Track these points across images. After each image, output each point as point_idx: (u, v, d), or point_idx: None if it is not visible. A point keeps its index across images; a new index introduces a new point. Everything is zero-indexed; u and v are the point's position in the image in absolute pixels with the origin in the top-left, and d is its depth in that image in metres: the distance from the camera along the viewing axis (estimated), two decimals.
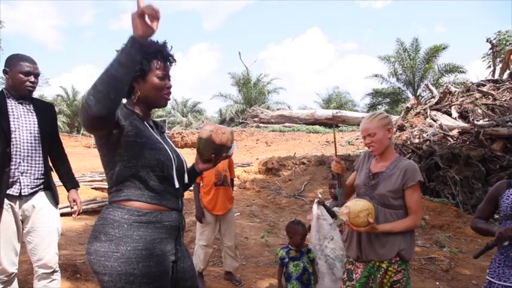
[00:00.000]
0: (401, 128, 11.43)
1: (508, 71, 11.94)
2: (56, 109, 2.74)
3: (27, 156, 2.33)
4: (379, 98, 27.64)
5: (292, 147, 15.23)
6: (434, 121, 10.39)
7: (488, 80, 11.90)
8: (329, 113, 21.87)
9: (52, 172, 2.53)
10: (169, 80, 1.55)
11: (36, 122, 2.40)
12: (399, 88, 26.36)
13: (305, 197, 8.22)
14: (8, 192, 2.26)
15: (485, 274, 2.14)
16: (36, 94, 2.51)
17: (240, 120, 25.86)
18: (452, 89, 12.22)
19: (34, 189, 2.36)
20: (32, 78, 2.35)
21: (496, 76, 12.29)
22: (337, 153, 2.29)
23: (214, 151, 1.61)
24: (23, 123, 2.34)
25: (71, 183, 2.66)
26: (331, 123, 20.51)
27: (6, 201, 2.26)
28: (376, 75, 26.12)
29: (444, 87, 13.03)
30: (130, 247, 1.36)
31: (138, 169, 1.41)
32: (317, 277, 2.88)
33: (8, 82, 2.35)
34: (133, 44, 1.21)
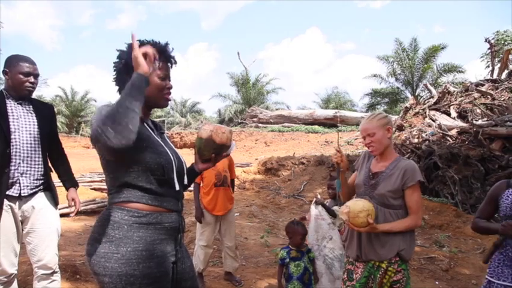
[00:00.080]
0: (400, 128, 11.45)
1: (506, 71, 11.97)
2: (55, 110, 2.74)
3: (27, 157, 2.33)
4: (378, 98, 27.67)
5: (291, 147, 15.25)
6: (433, 121, 10.41)
7: (487, 80, 11.93)
8: (328, 113, 21.91)
9: (52, 173, 2.53)
10: (169, 80, 1.56)
11: (35, 123, 2.39)
12: (398, 88, 26.40)
13: (304, 197, 8.23)
14: (7, 193, 2.25)
15: (484, 274, 2.14)
16: (34, 94, 2.50)
17: (239, 121, 25.87)
18: (451, 88, 12.25)
19: (34, 190, 2.36)
20: (31, 79, 2.35)
21: (495, 76, 12.31)
22: (339, 146, 2.29)
23: (214, 151, 1.61)
24: (23, 124, 2.34)
25: (70, 182, 2.66)
26: (332, 123, 20.55)
27: (5, 202, 2.25)
28: (374, 75, 26.17)
29: (443, 87, 13.06)
30: (131, 248, 1.36)
31: (139, 173, 1.41)
32: (317, 277, 2.88)
33: (8, 83, 2.35)
34: (142, 79, 1.32)
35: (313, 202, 3.26)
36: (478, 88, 11.02)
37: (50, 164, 2.54)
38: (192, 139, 18.24)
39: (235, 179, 4.27)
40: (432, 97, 13.04)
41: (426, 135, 9.39)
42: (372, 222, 1.93)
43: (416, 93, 24.05)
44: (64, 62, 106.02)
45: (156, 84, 1.50)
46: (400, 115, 13.14)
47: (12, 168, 2.26)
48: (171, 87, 1.56)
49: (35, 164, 2.36)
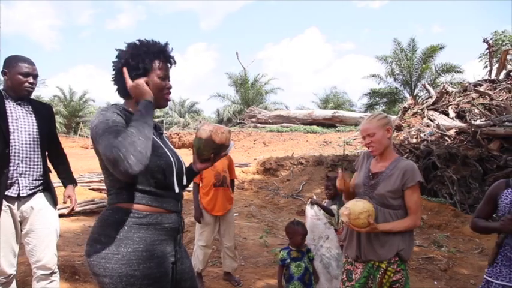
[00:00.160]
0: (398, 128, 11.46)
1: (504, 71, 11.99)
2: (53, 110, 2.73)
3: (26, 157, 2.32)
4: (377, 98, 27.69)
5: (290, 147, 15.25)
6: (432, 121, 10.42)
7: (485, 80, 11.95)
8: (326, 113, 21.92)
9: (51, 173, 2.53)
10: (169, 80, 1.56)
11: (35, 123, 2.39)
12: (396, 88, 26.44)
13: (303, 197, 8.23)
14: (6, 193, 2.25)
15: (483, 273, 2.15)
16: (32, 95, 2.50)
17: (238, 121, 25.85)
18: (450, 89, 12.27)
19: (33, 191, 2.36)
20: (30, 80, 2.35)
21: (493, 76, 12.34)
22: (342, 169, 2.28)
23: (214, 151, 1.61)
24: (22, 125, 2.34)
25: (68, 179, 2.68)
26: (330, 123, 20.55)
27: (4, 202, 2.25)
28: (373, 75, 26.19)
29: (441, 87, 13.07)
30: (131, 249, 1.36)
31: (139, 176, 1.41)
32: (317, 276, 2.88)
33: (7, 83, 2.34)
34: (152, 106, 1.43)
35: (308, 202, 3.29)
36: (476, 88, 11.04)
37: (49, 164, 2.54)
38: (191, 139, 18.22)
39: (235, 179, 4.27)
40: (430, 97, 13.05)
41: (424, 135, 9.41)
42: (372, 222, 1.93)
43: (415, 93, 24.09)
44: (63, 62, 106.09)
45: (156, 84, 1.50)
46: (399, 115, 13.16)
47: (11, 168, 2.26)
48: (170, 88, 1.56)
49: (34, 165, 2.36)
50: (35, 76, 2.39)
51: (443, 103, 11.44)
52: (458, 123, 9.63)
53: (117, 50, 1.52)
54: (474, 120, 8.77)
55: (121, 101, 1.58)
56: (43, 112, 2.49)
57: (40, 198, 2.40)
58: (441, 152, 7.49)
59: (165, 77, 1.53)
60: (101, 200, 7.13)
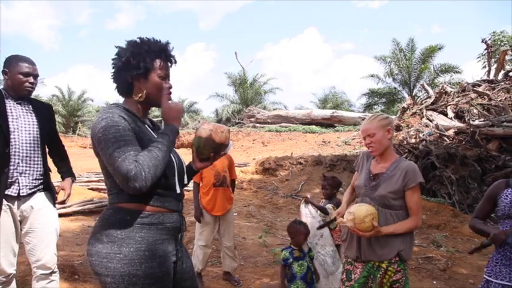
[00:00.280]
0: (397, 128, 11.48)
1: (502, 71, 12.03)
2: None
3: (26, 156, 2.32)
4: (375, 98, 27.73)
5: (288, 147, 15.25)
6: (430, 121, 10.45)
7: (484, 80, 11.99)
8: (325, 113, 21.94)
9: (51, 173, 2.53)
10: (169, 80, 1.56)
11: (35, 123, 2.39)
12: (395, 88, 26.48)
13: (302, 197, 8.22)
14: (6, 192, 2.24)
15: (482, 273, 2.16)
16: (32, 94, 2.50)
17: (237, 121, 25.84)
18: (448, 89, 12.31)
19: (33, 190, 2.35)
20: (31, 79, 2.35)
21: (491, 76, 12.38)
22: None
23: (213, 150, 1.62)
24: (22, 124, 2.33)
25: (67, 173, 2.68)
26: (329, 123, 20.57)
27: (4, 201, 2.24)
28: (372, 76, 26.23)
29: (440, 87, 13.13)
30: (133, 248, 1.36)
31: None
32: (318, 275, 2.89)
33: (7, 83, 2.34)
34: (178, 133, 1.49)
35: (302, 201, 3.31)
36: (474, 88, 11.08)
37: (50, 163, 2.54)
38: (190, 139, 18.17)
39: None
40: (429, 97, 13.09)
41: (423, 135, 9.44)
42: (376, 225, 1.93)
43: (414, 94, 24.13)
44: (62, 61, 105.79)
45: (157, 83, 1.49)
46: (398, 115, 13.19)
47: (11, 167, 2.26)
48: (171, 87, 1.55)
49: (34, 164, 2.36)
50: (36, 76, 2.39)
51: (442, 103, 11.47)
52: (457, 124, 9.66)
53: (117, 47, 1.51)
54: (473, 121, 8.80)
55: (121, 99, 1.57)
56: (43, 111, 2.48)
57: (40, 198, 2.40)
58: (440, 152, 7.51)
59: (166, 77, 1.53)
60: (100, 200, 7.11)
